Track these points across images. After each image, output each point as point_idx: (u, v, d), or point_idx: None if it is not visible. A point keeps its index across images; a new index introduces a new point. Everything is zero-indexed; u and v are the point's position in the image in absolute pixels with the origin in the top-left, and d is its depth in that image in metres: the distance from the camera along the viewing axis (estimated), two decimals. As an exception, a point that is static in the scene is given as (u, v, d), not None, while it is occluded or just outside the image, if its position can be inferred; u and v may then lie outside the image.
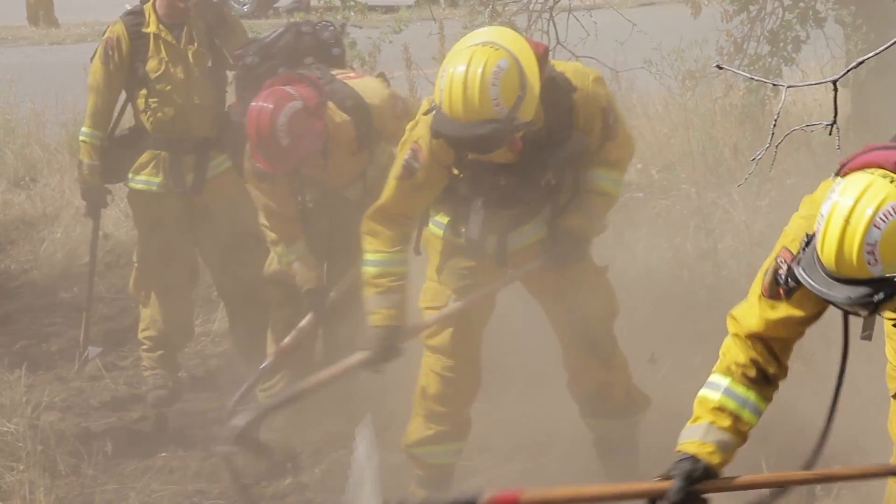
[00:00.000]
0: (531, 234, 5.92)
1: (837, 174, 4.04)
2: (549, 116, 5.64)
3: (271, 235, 6.96)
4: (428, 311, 5.95)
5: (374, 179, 6.87)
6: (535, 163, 5.69)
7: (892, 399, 4.75)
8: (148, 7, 7.67)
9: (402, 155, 5.75)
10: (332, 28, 7.25)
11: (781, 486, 4.49)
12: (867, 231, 3.83)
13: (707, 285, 7.67)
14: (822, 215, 3.92)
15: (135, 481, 6.84)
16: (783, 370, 4.43)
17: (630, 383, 6.12)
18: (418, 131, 5.68)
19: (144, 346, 7.92)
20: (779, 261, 4.29)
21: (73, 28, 20.96)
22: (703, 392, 4.41)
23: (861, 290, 3.85)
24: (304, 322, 6.94)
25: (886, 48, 3.87)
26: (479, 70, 5.30)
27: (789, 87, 3.99)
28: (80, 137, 7.77)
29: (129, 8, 7.78)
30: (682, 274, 7.84)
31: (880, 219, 3.82)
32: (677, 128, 10.21)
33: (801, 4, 10.45)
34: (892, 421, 4.80)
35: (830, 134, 3.73)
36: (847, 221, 3.85)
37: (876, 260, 3.83)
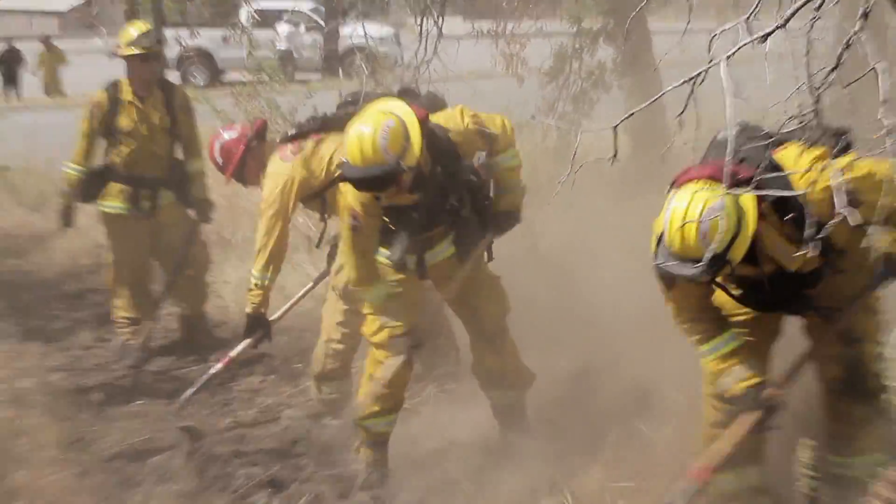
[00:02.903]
0: (443, 251, 5.63)
1: (670, 189, 4.23)
2: (437, 158, 5.34)
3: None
4: (371, 313, 5.58)
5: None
6: (438, 195, 5.38)
7: None
8: (123, 81, 7.59)
9: (345, 221, 5.47)
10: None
11: None
12: (699, 225, 4.06)
13: (527, 277, 7.49)
14: (667, 219, 4.13)
15: (117, 422, 6.73)
16: None
17: (519, 364, 5.82)
18: (348, 199, 5.41)
19: (120, 324, 7.88)
20: None
21: (76, 98, 20.64)
22: None
23: (702, 266, 4.01)
24: (245, 343, 6.54)
25: (648, 105, 3.98)
26: (371, 128, 5.06)
27: (582, 131, 4.16)
28: (66, 170, 7.63)
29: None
30: (510, 271, 7.69)
31: (706, 216, 4.06)
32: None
33: (594, 76, 10.70)
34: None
35: (612, 165, 3.84)
36: (684, 220, 4.08)
37: (707, 243, 4.02)
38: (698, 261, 4.02)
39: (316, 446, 6.25)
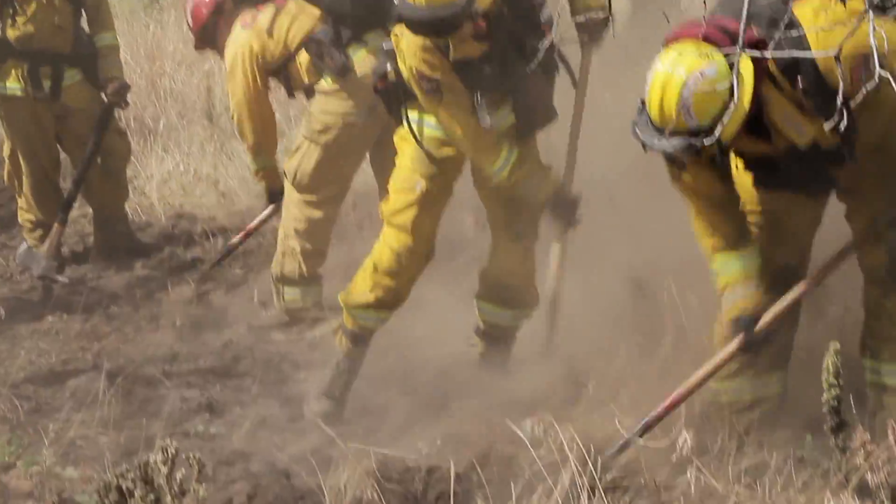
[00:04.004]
0: (503, 118, 5.32)
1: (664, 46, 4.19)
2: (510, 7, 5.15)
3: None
4: (398, 192, 5.44)
5: None
6: (509, 42, 5.17)
7: None
8: None
9: (417, 89, 5.20)
10: None
11: None
12: (680, 93, 4.01)
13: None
14: (648, 82, 4.12)
15: (24, 342, 6.64)
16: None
17: (531, 281, 5.65)
18: (410, 62, 5.17)
19: (26, 228, 7.73)
20: None
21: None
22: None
23: (683, 141, 4.03)
24: (265, 213, 7.03)
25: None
26: None
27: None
28: None
29: None
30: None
31: (690, 83, 4.01)
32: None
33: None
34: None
35: (607, 25, 4.14)
36: (664, 86, 4.05)
37: (691, 115, 4.02)
38: (681, 134, 4.05)
39: (261, 364, 6.20)
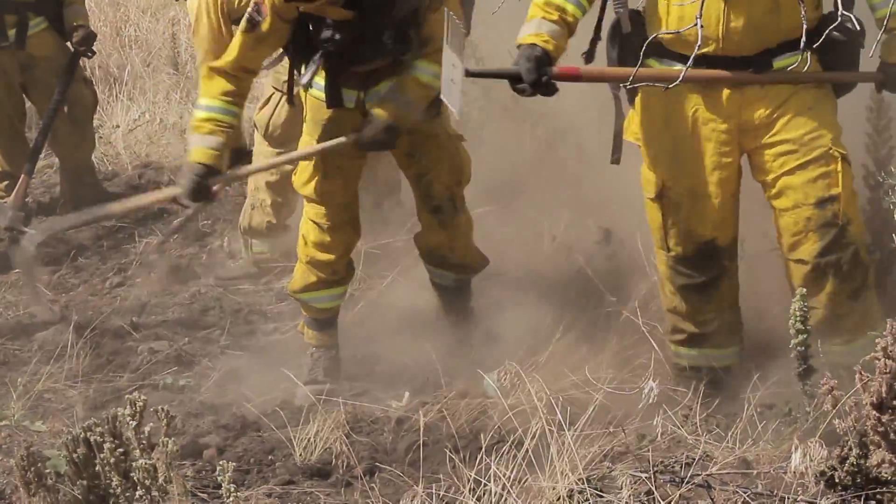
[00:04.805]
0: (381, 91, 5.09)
1: None
2: None
3: None
4: (302, 161, 5.26)
5: None
6: (372, 22, 4.86)
7: (647, 200, 4.62)
8: None
9: (245, 9, 4.97)
10: None
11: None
12: None
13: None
14: None
15: None
16: None
17: (468, 246, 5.45)
18: None
19: None
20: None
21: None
22: None
23: None
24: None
25: None
26: None
27: None
28: None
29: None
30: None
31: None
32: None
33: None
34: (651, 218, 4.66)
35: None
36: None
37: None
38: None
39: (229, 315, 6.18)
